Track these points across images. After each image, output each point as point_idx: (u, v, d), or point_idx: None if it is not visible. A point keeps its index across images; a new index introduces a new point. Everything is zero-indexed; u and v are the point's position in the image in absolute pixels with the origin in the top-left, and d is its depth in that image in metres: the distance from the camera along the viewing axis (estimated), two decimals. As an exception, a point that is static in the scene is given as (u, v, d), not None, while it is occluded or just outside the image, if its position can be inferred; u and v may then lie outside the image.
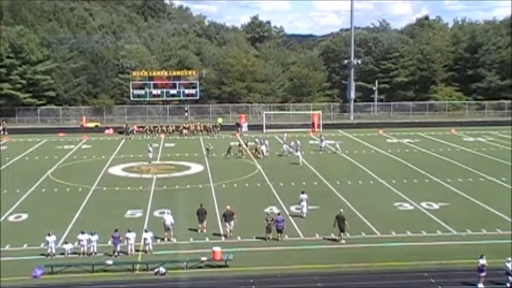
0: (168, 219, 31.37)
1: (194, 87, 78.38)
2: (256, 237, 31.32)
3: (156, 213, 36.14)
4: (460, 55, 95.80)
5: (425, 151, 59.13)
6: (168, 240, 30.96)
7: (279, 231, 31.20)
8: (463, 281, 25.57)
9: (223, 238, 31.48)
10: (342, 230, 30.82)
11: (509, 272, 24.43)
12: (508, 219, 34.54)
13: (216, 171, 49.41)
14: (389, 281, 25.73)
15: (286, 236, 31.28)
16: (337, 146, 59.26)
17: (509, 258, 24.93)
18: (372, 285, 25.45)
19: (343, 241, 30.64)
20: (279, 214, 32.68)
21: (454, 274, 26.35)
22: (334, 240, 30.99)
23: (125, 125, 73.01)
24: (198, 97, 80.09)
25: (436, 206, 37.73)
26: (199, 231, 32.42)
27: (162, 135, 70.87)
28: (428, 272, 26.49)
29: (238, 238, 31.38)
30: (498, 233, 32.25)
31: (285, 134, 65.66)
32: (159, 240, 30.74)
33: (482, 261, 25.09)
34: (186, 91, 78.13)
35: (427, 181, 45.56)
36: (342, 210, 32.00)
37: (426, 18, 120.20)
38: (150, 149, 54.88)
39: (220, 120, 78.86)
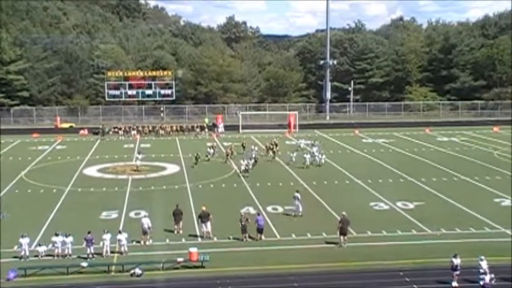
0: (146, 222, 31.07)
1: (170, 88, 78.03)
2: (233, 238, 31.28)
3: (132, 214, 35.90)
4: (434, 56, 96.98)
5: (400, 151, 59.62)
6: (145, 243, 30.64)
7: (259, 231, 31.21)
8: (438, 279, 25.82)
9: (199, 239, 31.39)
10: (345, 234, 30.39)
11: (482, 270, 24.70)
12: (481, 218, 34.98)
13: (192, 171, 49.24)
14: (365, 280, 25.88)
15: (263, 237, 31.28)
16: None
17: (482, 257, 25.25)
18: (348, 285, 25.53)
19: (345, 245, 30.25)
20: (258, 214, 32.70)
21: (428, 273, 26.59)
22: (334, 243, 30.84)
23: (101, 126, 72.25)
24: (174, 97, 79.74)
25: (411, 206, 38.05)
26: (175, 232, 32.26)
27: (138, 136, 70.40)
28: (404, 271, 26.70)
29: (215, 239, 31.29)
30: (471, 232, 32.65)
31: (301, 141, 62.53)
32: (134, 242, 30.53)
33: (456, 260, 25.39)
34: (162, 91, 77.77)
35: (402, 181, 45.95)
36: (344, 214, 31.36)
37: (401, 19, 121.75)
38: (138, 156, 51.75)
39: (207, 120, 78.07)
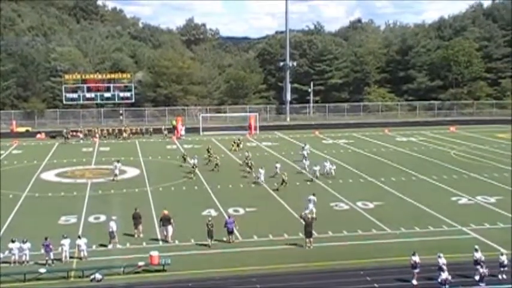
0: (111, 226, 30.75)
1: (129, 90, 77.28)
2: (195, 241, 31.08)
3: (91, 219, 35.39)
4: (392, 57, 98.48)
5: (360, 151, 60.26)
6: (112, 246, 30.29)
7: (230, 232, 31.03)
8: (398, 277, 26.14)
9: (160, 242, 31.12)
10: (310, 235, 30.34)
11: (441, 267, 25.13)
12: (439, 216, 35.58)
13: (152, 174, 48.81)
14: (326, 280, 26.05)
15: (232, 238, 31.08)
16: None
17: (441, 254, 25.69)
18: (309, 285, 25.65)
19: (309, 246, 30.18)
20: (229, 217, 32.53)
21: (389, 271, 26.88)
22: (296, 244, 30.97)
23: (65, 130, 70.34)
24: (133, 100, 78.97)
25: (371, 205, 38.47)
26: (135, 236, 31.90)
27: (97, 139, 69.40)
28: (364, 270, 26.97)
29: (176, 242, 31.06)
30: (430, 230, 33.19)
31: (306, 146, 56.71)
32: (94, 246, 30.11)
33: (415, 258, 25.78)
34: (121, 94, 76.97)
35: (361, 181, 46.43)
36: (309, 216, 31.41)
37: (359, 21, 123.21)
38: (117, 164, 48.44)
39: (174, 122, 76.63)
